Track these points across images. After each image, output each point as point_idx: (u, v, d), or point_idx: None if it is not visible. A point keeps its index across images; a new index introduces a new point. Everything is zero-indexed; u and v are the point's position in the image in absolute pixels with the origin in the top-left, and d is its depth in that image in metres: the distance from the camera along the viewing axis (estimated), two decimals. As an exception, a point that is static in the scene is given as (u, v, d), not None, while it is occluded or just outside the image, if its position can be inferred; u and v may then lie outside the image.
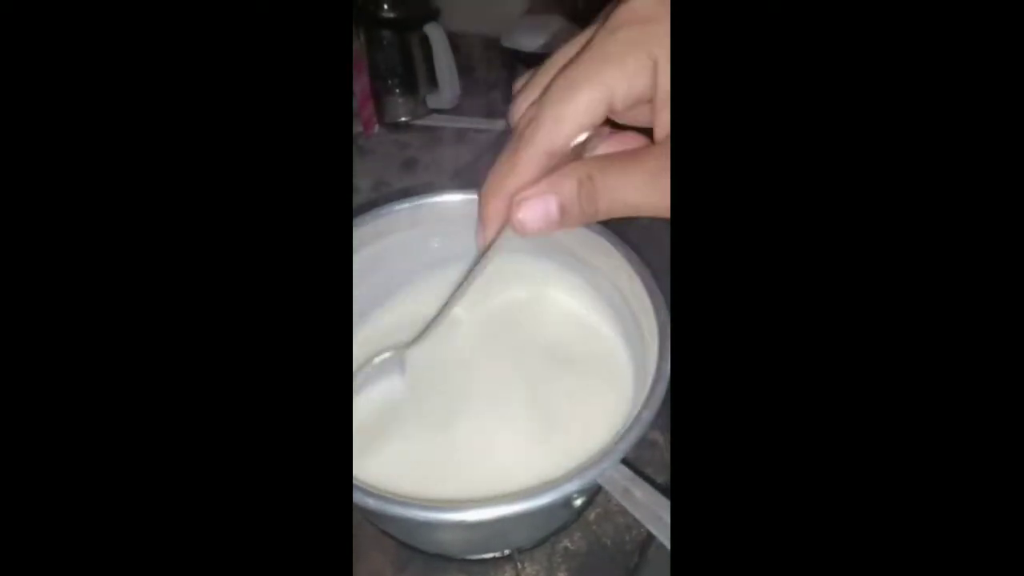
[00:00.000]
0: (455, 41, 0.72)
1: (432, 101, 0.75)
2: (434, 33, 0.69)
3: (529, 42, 0.73)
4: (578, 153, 0.25)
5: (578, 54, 0.24)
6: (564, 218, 0.24)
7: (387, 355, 0.36)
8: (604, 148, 0.26)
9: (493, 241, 0.27)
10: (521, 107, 0.26)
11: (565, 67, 0.24)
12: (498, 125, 0.73)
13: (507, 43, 0.74)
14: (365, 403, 0.35)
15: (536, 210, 0.24)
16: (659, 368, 0.30)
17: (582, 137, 0.24)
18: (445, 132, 0.74)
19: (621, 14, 0.23)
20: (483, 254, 0.28)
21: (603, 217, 0.25)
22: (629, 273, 0.34)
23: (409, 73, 0.72)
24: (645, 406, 0.28)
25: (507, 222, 0.25)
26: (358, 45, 0.68)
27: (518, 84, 0.27)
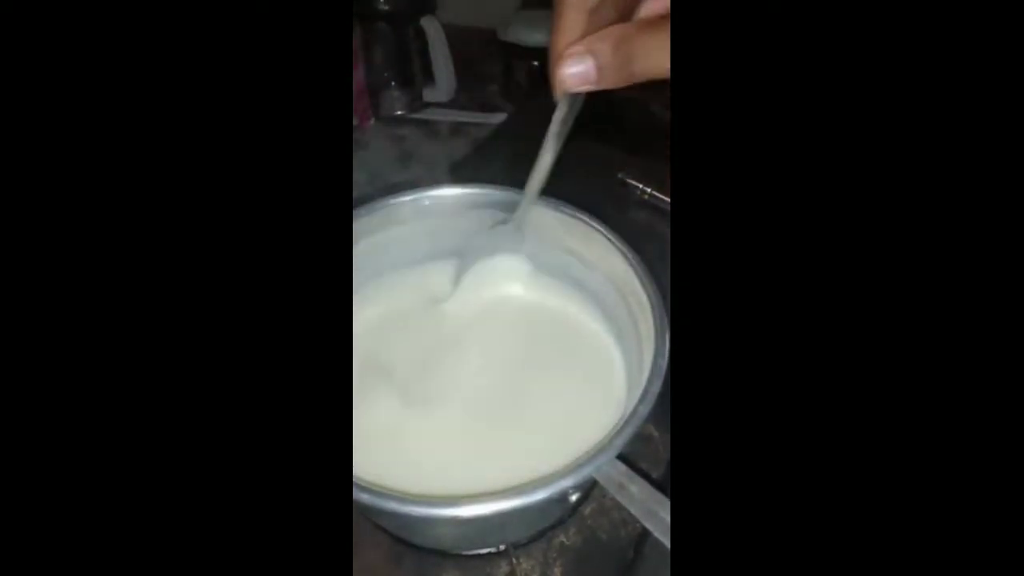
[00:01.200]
0: (451, 34, 0.71)
1: (428, 95, 0.75)
2: (430, 26, 0.69)
3: (525, 35, 0.73)
4: (622, 15, 0.26)
5: None
6: (601, 77, 0.25)
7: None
8: (647, 8, 0.27)
9: (560, 107, 0.29)
10: None
11: None
12: (494, 118, 0.73)
13: (503, 36, 0.74)
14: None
15: (574, 68, 0.25)
16: (655, 363, 0.30)
17: None
18: (441, 125, 0.73)
19: None
20: (554, 116, 0.29)
21: (639, 79, 0.25)
22: (625, 268, 0.33)
23: (405, 66, 0.72)
24: (641, 401, 0.28)
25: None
26: (354, 38, 0.67)
27: None
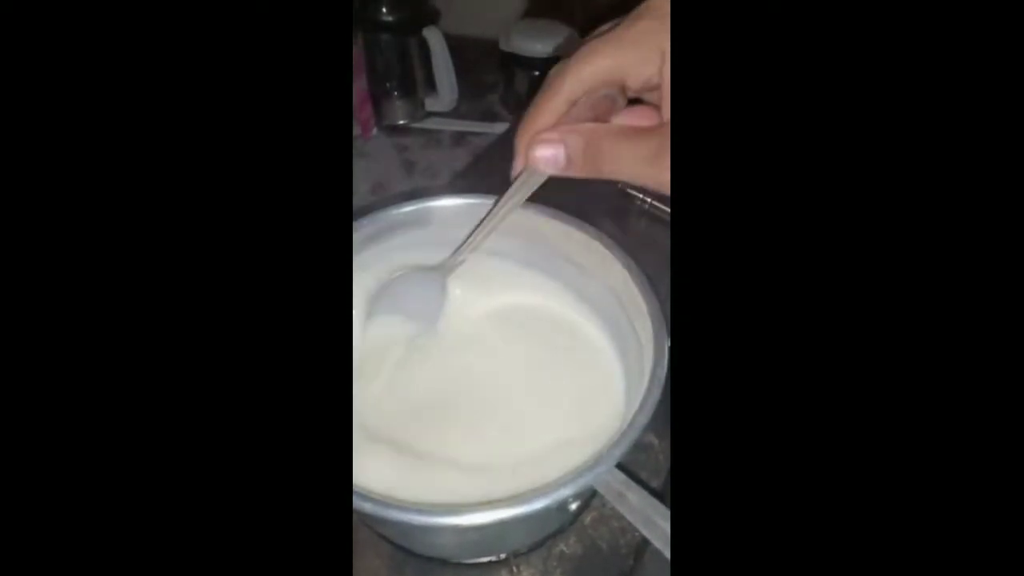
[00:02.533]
0: (453, 44, 0.72)
1: (430, 104, 0.75)
2: (432, 36, 0.69)
3: (527, 46, 0.73)
4: (599, 116, 0.29)
5: (607, 30, 0.28)
6: (569, 166, 0.28)
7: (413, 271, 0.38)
8: (621, 119, 0.29)
9: (520, 174, 0.31)
10: (558, 65, 0.29)
11: (592, 38, 0.28)
12: (496, 128, 0.73)
13: (505, 46, 0.74)
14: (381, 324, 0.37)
15: (547, 151, 0.28)
16: (654, 372, 0.30)
17: (596, 90, 0.28)
18: (443, 135, 0.74)
19: (645, 6, 0.27)
20: (513, 186, 0.32)
21: (605, 177, 0.28)
22: (625, 277, 0.34)
23: (407, 76, 0.72)
24: (640, 410, 0.29)
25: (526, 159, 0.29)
26: (357, 48, 0.68)
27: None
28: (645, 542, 0.35)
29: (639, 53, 0.27)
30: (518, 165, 0.31)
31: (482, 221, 0.35)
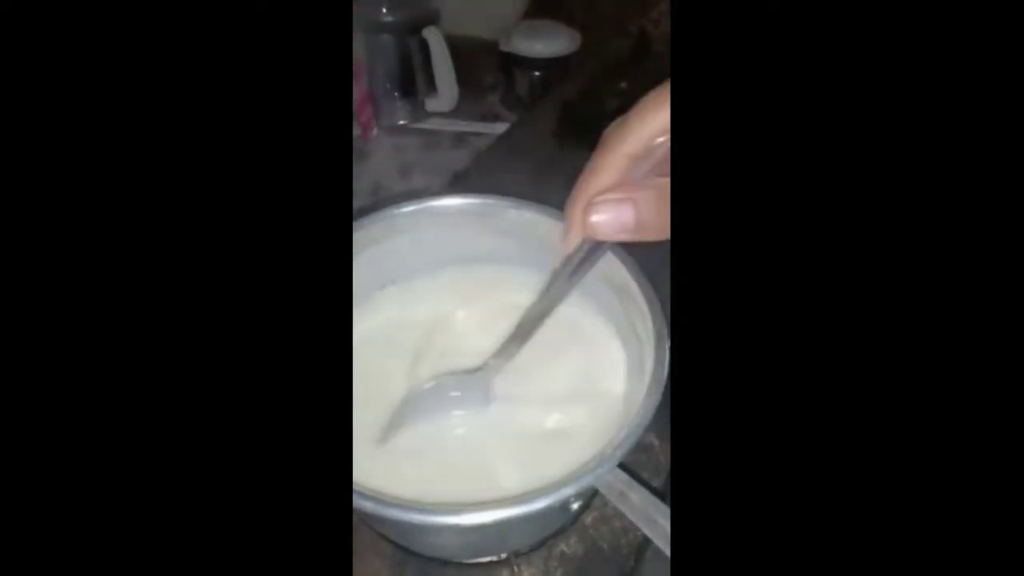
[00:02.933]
0: (453, 45, 0.72)
1: (430, 105, 0.75)
2: (432, 37, 0.70)
3: (527, 46, 0.73)
4: (662, 172, 0.25)
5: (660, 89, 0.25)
6: (639, 229, 0.24)
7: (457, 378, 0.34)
8: None
9: (575, 252, 0.27)
10: (612, 127, 0.26)
11: (654, 91, 0.24)
12: (496, 128, 0.73)
13: (505, 47, 0.75)
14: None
15: (610, 213, 0.24)
16: (655, 372, 0.30)
17: (660, 141, 0.24)
18: (443, 135, 0.74)
19: None
20: (565, 265, 0.28)
21: None
22: (626, 277, 0.34)
23: (407, 77, 0.72)
24: (641, 410, 0.29)
25: (585, 229, 0.25)
26: (357, 49, 0.68)
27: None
28: (646, 542, 0.35)
29: None
30: (572, 239, 0.26)
31: (532, 308, 0.32)
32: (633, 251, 0.34)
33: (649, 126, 0.24)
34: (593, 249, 0.27)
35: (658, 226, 0.24)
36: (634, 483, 0.28)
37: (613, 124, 0.25)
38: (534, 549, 0.35)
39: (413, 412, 0.34)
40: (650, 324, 0.32)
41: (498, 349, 0.34)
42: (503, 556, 0.35)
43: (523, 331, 0.32)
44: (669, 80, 0.24)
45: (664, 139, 0.24)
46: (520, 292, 0.40)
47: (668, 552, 0.26)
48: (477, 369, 0.35)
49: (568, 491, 0.26)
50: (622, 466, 0.28)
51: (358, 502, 0.26)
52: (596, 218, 0.24)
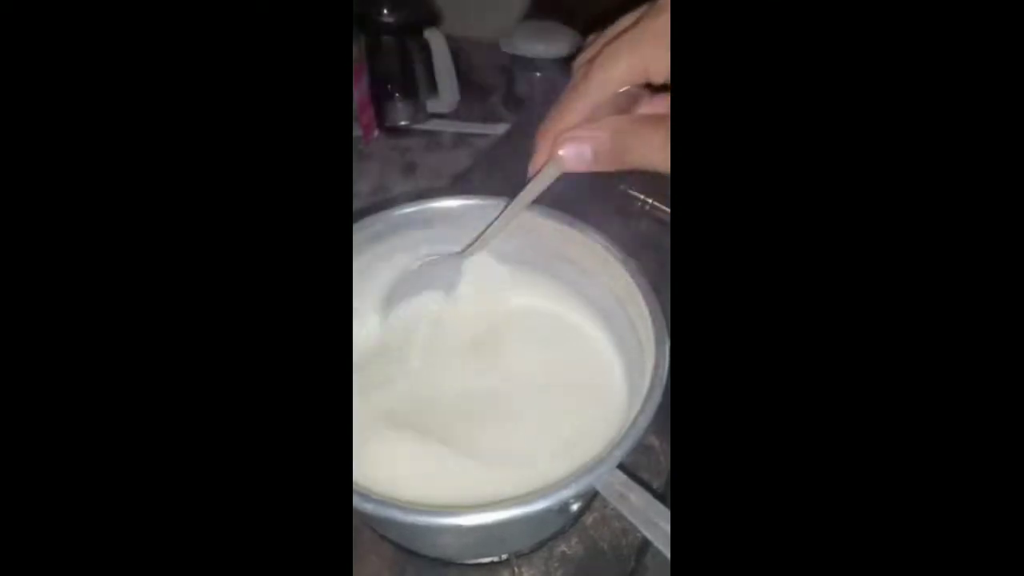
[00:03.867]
0: (454, 46, 0.72)
1: (432, 106, 0.75)
2: (434, 38, 0.70)
3: (528, 47, 0.73)
4: (621, 108, 0.29)
5: (631, 25, 0.28)
6: (596, 161, 0.29)
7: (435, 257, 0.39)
8: (646, 108, 0.30)
9: (539, 173, 0.31)
10: (582, 61, 0.30)
11: (617, 35, 0.28)
12: (497, 129, 0.73)
13: (506, 48, 0.74)
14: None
15: (573, 149, 0.29)
16: (655, 373, 0.30)
17: (621, 90, 0.28)
18: (444, 136, 0.74)
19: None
20: (531, 181, 0.32)
21: (629, 167, 0.29)
22: (626, 279, 0.34)
23: (409, 78, 0.72)
24: (641, 411, 0.29)
25: (551, 157, 0.30)
26: (358, 50, 0.68)
27: (588, 40, 0.32)
28: (646, 543, 0.35)
29: (660, 47, 0.27)
30: (539, 160, 0.31)
31: (499, 215, 0.36)
32: (634, 254, 0.35)
33: (612, 75, 0.28)
34: (554, 171, 0.31)
35: (611, 159, 0.29)
36: (633, 484, 0.28)
37: (582, 65, 0.29)
38: (535, 550, 0.35)
39: (402, 287, 0.39)
40: (650, 326, 0.32)
41: (468, 245, 0.38)
42: (504, 557, 0.35)
43: (488, 232, 0.37)
44: (629, 30, 0.27)
45: (624, 89, 0.28)
46: (520, 293, 0.41)
47: (667, 553, 0.26)
48: (455, 255, 0.39)
49: (568, 492, 0.27)
50: (622, 467, 0.28)
51: (359, 503, 0.26)
52: (563, 151, 0.29)
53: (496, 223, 0.36)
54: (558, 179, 0.31)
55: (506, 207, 0.36)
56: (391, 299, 0.39)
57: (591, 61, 0.29)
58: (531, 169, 0.32)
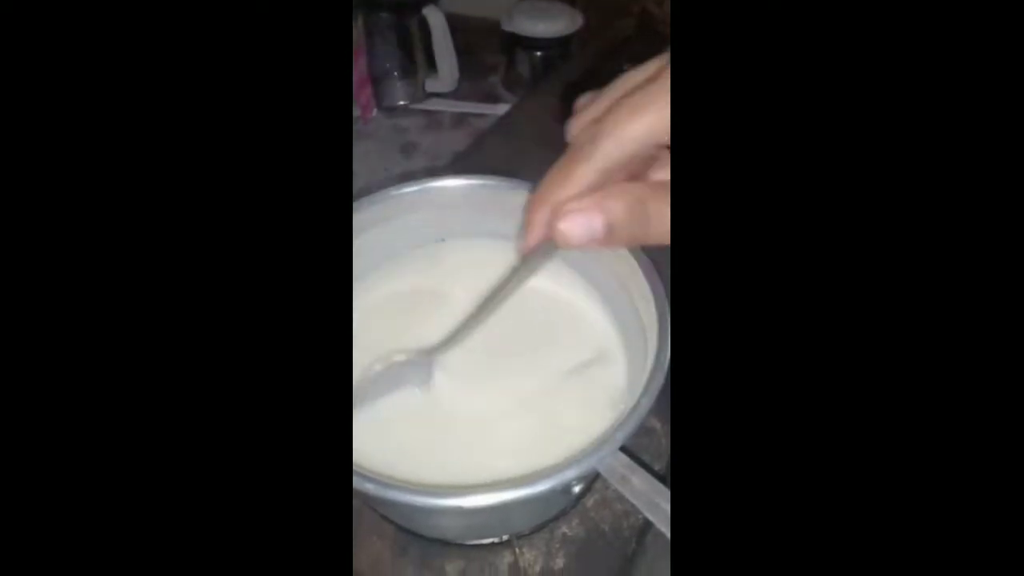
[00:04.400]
0: (454, 24, 0.71)
1: (431, 85, 0.74)
2: (433, 16, 0.69)
3: (528, 26, 0.72)
4: (633, 175, 0.25)
5: (646, 80, 0.24)
6: (609, 237, 0.23)
7: (406, 359, 0.35)
8: (662, 174, 0.26)
9: (534, 251, 0.27)
10: (581, 123, 0.25)
11: (631, 91, 0.24)
12: (497, 109, 0.73)
13: (506, 26, 0.74)
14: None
15: (581, 223, 0.23)
16: (658, 356, 0.30)
17: (639, 151, 0.23)
18: (444, 116, 0.73)
19: None
20: (523, 263, 0.28)
21: (651, 243, 0.24)
22: (629, 261, 0.33)
23: (408, 57, 0.72)
24: (644, 393, 0.28)
25: (551, 234, 0.24)
26: (356, 29, 0.67)
27: (580, 102, 0.27)
28: (648, 525, 0.36)
29: None
30: (533, 237, 0.26)
31: (480, 306, 0.32)
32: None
33: (627, 137, 0.23)
34: (551, 249, 0.26)
35: (629, 233, 0.23)
36: (636, 466, 0.28)
37: (586, 128, 0.24)
38: (536, 531, 0.35)
39: (365, 392, 0.35)
40: (653, 308, 0.31)
41: (447, 336, 0.34)
42: (505, 538, 0.35)
43: (472, 322, 0.33)
44: (647, 85, 0.23)
45: (637, 152, 0.23)
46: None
47: (669, 535, 0.26)
48: (425, 352, 0.35)
49: (570, 474, 0.26)
50: (624, 449, 0.28)
51: (359, 484, 0.26)
52: (565, 226, 0.23)
53: (475, 314, 0.33)
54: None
55: (490, 296, 0.32)
56: (361, 399, 0.35)
57: (599, 120, 0.24)
58: (523, 248, 0.27)
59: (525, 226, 0.26)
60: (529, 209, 0.25)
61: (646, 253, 0.33)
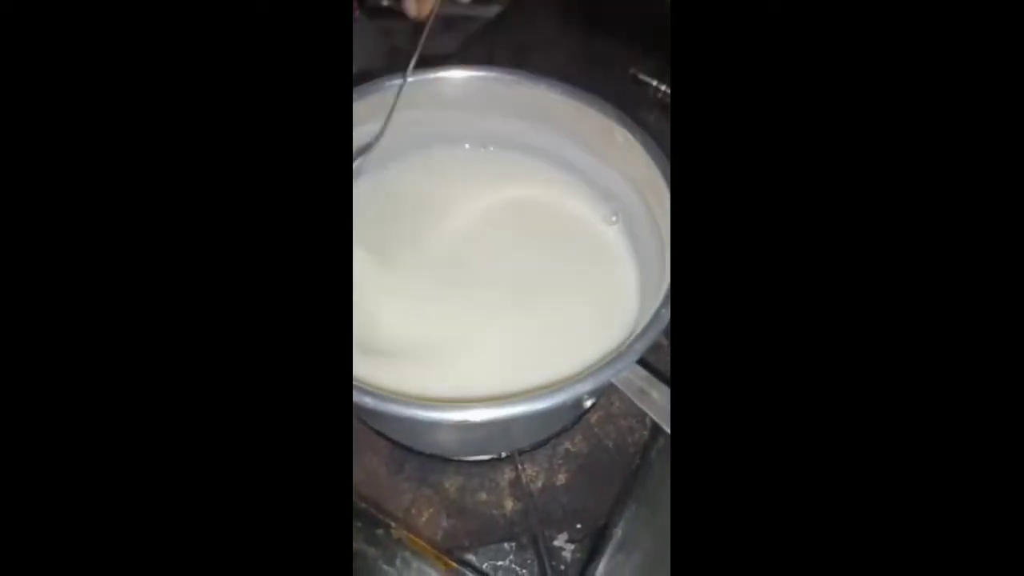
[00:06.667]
0: (444, -87, 0.65)
1: (418, -18, 0.69)
2: (421, -98, 0.62)
3: (526, -82, 0.66)
4: None
5: None
6: None
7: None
8: None
9: None
10: None
11: None
12: (488, 11, 0.68)
13: (500, -82, 0.67)
14: None
15: None
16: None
17: None
18: (431, 19, 0.68)
19: None
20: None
21: None
22: (648, 164, 0.31)
23: (393, -51, 0.66)
24: (664, 303, 0.27)
25: None
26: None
27: None
28: (652, 441, 0.35)
29: None
30: None
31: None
32: (655, 134, 0.31)
33: None
34: None
35: None
36: (655, 380, 0.26)
37: None
38: (538, 447, 0.34)
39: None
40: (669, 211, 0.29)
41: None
42: (505, 454, 0.34)
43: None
44: None
45: None
46: (526, 183, 0.38)
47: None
48: None
49: (584, 387, 0.25)
50: (641, 363, 0.26)
51: (358, 397, 0.24)
52: None
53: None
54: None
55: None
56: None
57: None
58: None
59: None
60: None
61: (667, 160, 0.31)
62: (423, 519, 0.32)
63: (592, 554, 0.32)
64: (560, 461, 0.34)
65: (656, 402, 0.26)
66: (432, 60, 0.63)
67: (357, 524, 0.32)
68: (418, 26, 0.66)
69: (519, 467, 0.33)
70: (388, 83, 0.34)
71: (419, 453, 0.34)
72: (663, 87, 0.47)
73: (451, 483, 0.33)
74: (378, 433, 0.34)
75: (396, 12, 0.68)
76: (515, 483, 0.33)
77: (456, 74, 0.34)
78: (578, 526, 0.32)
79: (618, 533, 0.32)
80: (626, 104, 0.33)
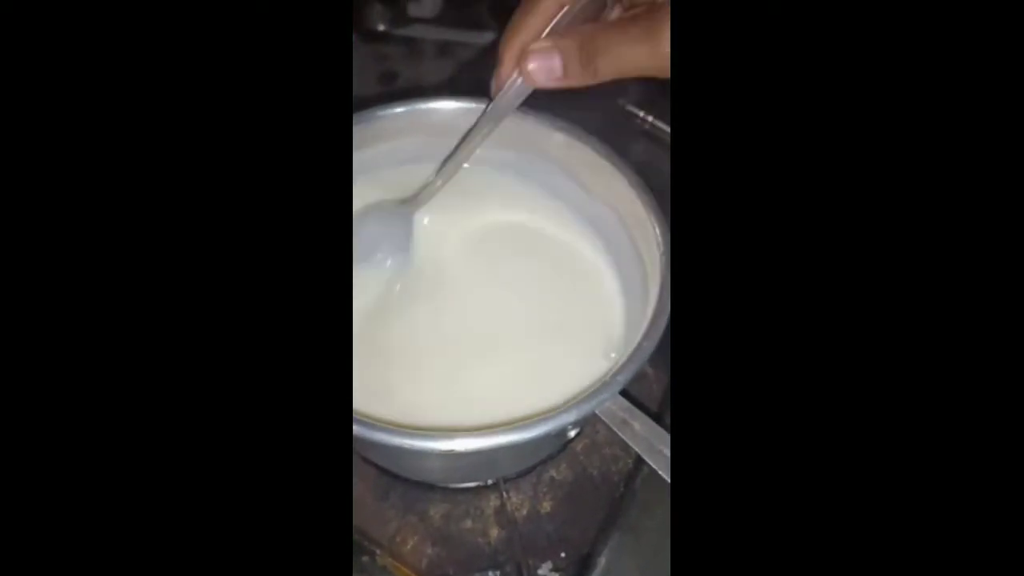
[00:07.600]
0: (439, -57, 0.66)
1: (413, 9, 0.70)
2: (417, -67, 0.64)
3: (519, -52, 0.68)
4: (589, 18, 0.28)
5: None
6: (566, 74, 0.27)
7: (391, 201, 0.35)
8: (612, 16, 0.29)
9: (506, 87, 0.29)
10: None
11: None
12: (483, 38, 0.69)
13: (495, -52, 0.69)
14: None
15: (540, 62, 0.27)
16: (660, 297, 0.28)
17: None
18: (426, 44, 0.69)
19: None
20: (496, 99, 0.30)
21: (603, 78, 0.27)
22: (632, 197, 0.32)
23: (388, -24, 0.67)
24: (646, 335, 0.27)
25: (517, 72, 0.28)
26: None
27: None
28: (636, 470, 0.35)
29: None
30: (504, 74, 0.29)
31: (460, 143, 0.33)
32: (640, 169, 0.32)
33: None
34: (523, 88, 0.29)
35: (581, 71, 0.27)
36: (636, 411, 0.27)
37: None
38: (523, 475, 0.34)
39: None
40: (656, 247, 0.30)
41: (425, 184, 0.35)
42: (491, 481, 0.34)
43: (451, 167, 0.34)
44: None
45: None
46: (512, 209, 0.38)
47: (669, 479, 0.25)
48: (405, 200, 0.35)
49: (568, 417, 0.25)
50: (623, 394, 0.27)
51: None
52: (530, 66, 0.27)
53: (452, 156, 0.33)
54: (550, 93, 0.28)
55: (465, 138, 0.32)
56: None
57: None
58: (495, 85, 0.30)
59: (499, 65, 0.29)
60: (503, 49, 0.29)
61: (652, 193, 0.31)
62: (408, 547, 0.32)
63: (576, 582, 0.32)
64: (545, 489, 0.34)
65: (638, 433, 0.26)
66: (426, 90, 0.64)
67: (342, 551, 0.32)
68: (412, 51, 0.68)
69: (504, 495, 0.33)
70: (381, 113, 0.34)
71: (405, 480, 0.34)
72: (650, 118, 0.48)
73: (436, 511, 0.33)
74: (365, 459, 0.35)
75: (390, 37, 0.69)
76: (500, 511, 0.33)
77: (447, 105, 0.35)
78: (562, 554, 0.32)
79: (602, 562, 0.32)
80: (614, 134, 0.34)
